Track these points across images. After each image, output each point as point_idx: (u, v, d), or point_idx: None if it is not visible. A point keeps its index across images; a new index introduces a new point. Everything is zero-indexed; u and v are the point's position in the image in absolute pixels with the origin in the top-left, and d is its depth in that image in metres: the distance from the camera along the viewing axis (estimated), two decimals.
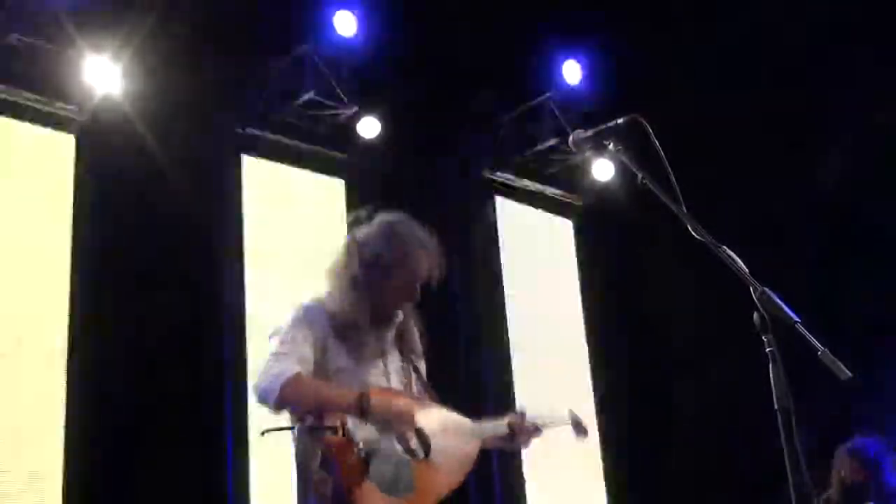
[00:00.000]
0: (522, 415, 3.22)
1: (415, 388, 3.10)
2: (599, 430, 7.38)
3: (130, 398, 5.34)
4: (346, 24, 6.29)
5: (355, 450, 2.71)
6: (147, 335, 5.47)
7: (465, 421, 3.08)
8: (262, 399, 2.83)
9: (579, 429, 3.46)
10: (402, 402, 2.86)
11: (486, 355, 6.96)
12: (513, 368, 7.07)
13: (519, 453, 6.84)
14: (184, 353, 5.56)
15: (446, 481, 2.93)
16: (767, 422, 2.19)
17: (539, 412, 3.31)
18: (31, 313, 5.39)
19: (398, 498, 2.77)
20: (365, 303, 2.98)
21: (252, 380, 2.92)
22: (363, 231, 3.07)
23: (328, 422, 2.74)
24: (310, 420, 2.80)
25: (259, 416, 5.58)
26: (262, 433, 2.90)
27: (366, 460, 2.71)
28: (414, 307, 3.14)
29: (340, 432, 2.71)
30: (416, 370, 3.12)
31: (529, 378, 7.13)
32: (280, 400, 2.78)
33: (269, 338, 2.96)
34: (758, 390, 2.31)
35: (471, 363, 6.72)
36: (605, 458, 7.39)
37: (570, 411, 3.45)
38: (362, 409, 2.74)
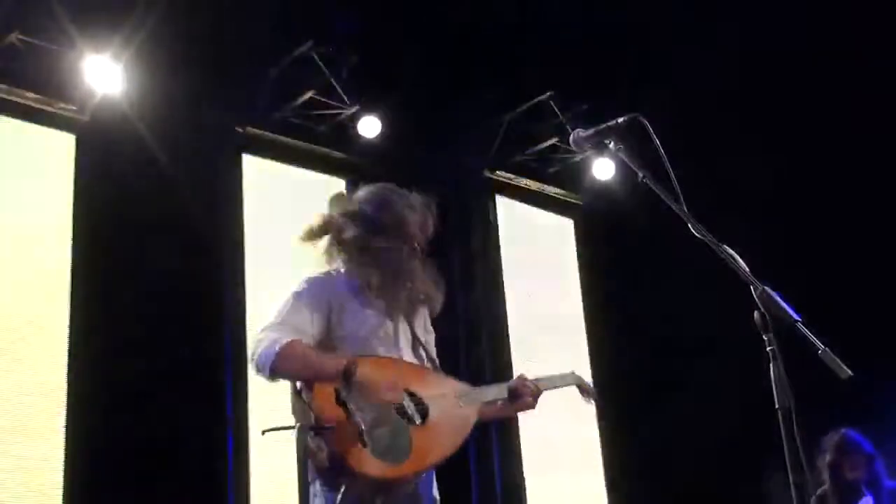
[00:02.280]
0: (523, 376, 3.27)
1: (416, 356, 3.13)
2: (600, 429, 7.39)
3: (130, 398, 5.34)
4: (346, 23, 6.29)
5: (350, 417, 2.72)
6: (147, 334, 5.47)
7: (463, 387, 3.12)
8: (259, 369, 2.88)
9: (584, 391, 3.52)
10: (389, 375, 2.87)
11: (485, 354, 6.96)
12: (513, 368, 7.07)
13: (519, 448, 6.86)
14: (184, 352, 5.56)
15: (443, 446, 2.96)
16: (767, 421, 2.19)
17: (541, 375, 3.35)
18: (32, 312, 5.39)
19: (394, 463, 2.79)
20: (371, 268, 3.04)
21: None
22: (353, 203, 3.14)
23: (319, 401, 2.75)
24: (303, 391, 2.83)
25: (259, 417, 5.63)
26: (263, 433, 2.90)
27: (360, 427, 2.72)
28: (434, 272, 3.17)
29: (335, 399, 2.73)
30: (423, 344, 3.14)
31: (529, 377, 7.12)
32: (273, 368, 2.83)
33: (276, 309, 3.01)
34: (758, 390, 2.31)
35: (470, 362, 6.73)
36: (605, 456, 7.39)
37: (574, 373, 3.48)
38: (348, 379, 2.76)
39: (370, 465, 2.74)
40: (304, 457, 2.75)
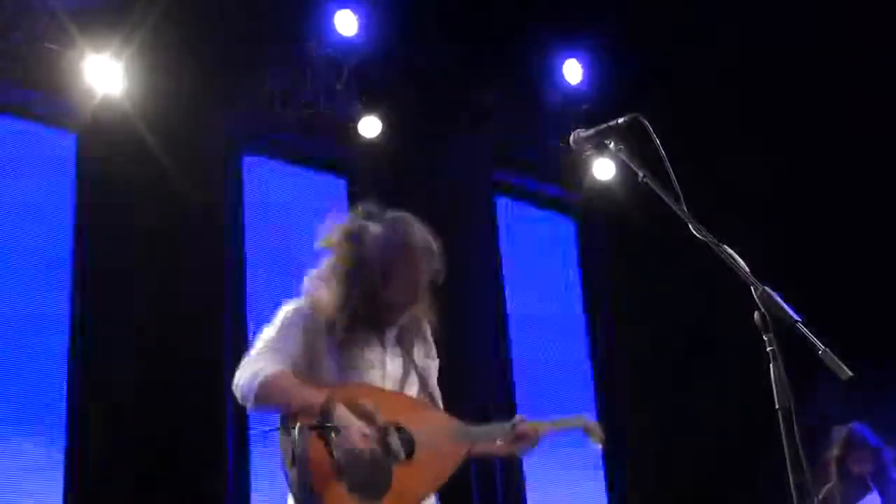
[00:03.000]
0: (522, 418, 3.17)
1: (410, 388, 3.03)
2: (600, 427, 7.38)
3: (130, 398, 5.34)
4: (346, 23, 6.28)
5: (328, 449, 2.67)
6: (147, 335, 5.47)
7: (457, 423, 3.03)
8: (242, 399, 2.84)
9: (592, 433, 3.44)
10: (367, 407, 2.78)
11: (486, 355, 6.95)
12: (513, 368, 7.07)
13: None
14: (184, 353, 5.56)
15: (426, 483, 2.89)
16: (767, 421, 2.19)
17: (548, 417, 3.31)
18: (32, 312, 5.39)
19: (369, 499, 2.72)
20: (364, 301, 2.91)
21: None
22: (369, 229, 2.97)
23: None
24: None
25: (259, 417, 5.62)
26: (263, 433, 2.88)
27: (339, 461, 2.67)
28: (431, 309, 3.09)
29: (316, 433, 2.68)
30: (420, 374, 3.05)
31: (530, 378, 7.13)
32: (256, 400, 2.79)
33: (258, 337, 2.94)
34: (758, 390, 2.31)
35: (470, 363, 6.72)
36: (605, 456, 7.38)
37: (580, 417, 3.44)
38: (326, 415, 2.69)
39: (344, 501, 2.68)
40: (303, 456, 2.73)
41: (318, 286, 2.96)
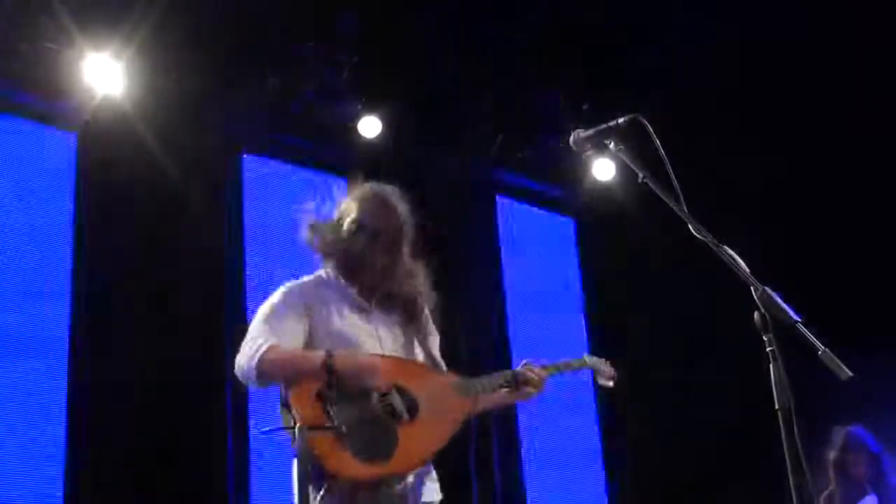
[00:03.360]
0: (528, 363, 3.23)
1: (417, 357, 3.11)
2: (600, 428, 7.38)
3: (129, 397, 5.34)
4: (346, 23, 6.28)
5: (329, 419, 2.71)
6: (147, 335, 5.47)
7: (460, 379, 3.09)
8: (245, 380, 2.91)
9: (601, 373, 3.45)
10: (368, 357, 2.87)
11: (485, 355, 6.95)
12: (513, 368, 7.06)
13: (519, 448, 6.86)
14: (183, 352, 5.56)
15: (433, 441, 2.93)
16: (767, 421, 2.19)
17: (554, 361, 3.35)
18: (32, 312, 5.39)
19: (375, 462, 2.76)
20: (353, 269, 3.04)
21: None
22: (340, 205, 3.16)
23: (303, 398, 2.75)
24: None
25: (259, 416, 5.63)
26: (263, 433, 2.90)
27: (340, 428, 2.71)
28: (429, 283, 3.16)
29: (314, 398, 2.73)
30: (423, 344, 3.12)
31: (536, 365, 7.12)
32: (259, 376, 2.86)
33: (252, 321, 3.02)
34: (758, 390, 2.31)
35: (470, 363, 6.71)
36: (605, 455, 7.39)
37: (586, 358, 3.46)
38: (329, 370, 2.75)
39: (349, 466, 2.72)
40: (304, 456, 2.74)
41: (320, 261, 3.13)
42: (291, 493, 2.72)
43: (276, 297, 3.02)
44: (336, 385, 2.74)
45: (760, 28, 6.59)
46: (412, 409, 2.89)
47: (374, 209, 3.09)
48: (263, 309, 3.00)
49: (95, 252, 5.57)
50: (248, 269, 6.12)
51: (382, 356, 2.97)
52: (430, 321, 3.23)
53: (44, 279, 5.47)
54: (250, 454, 5.71)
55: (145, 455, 5.32)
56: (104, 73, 5.54)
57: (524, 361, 3.26)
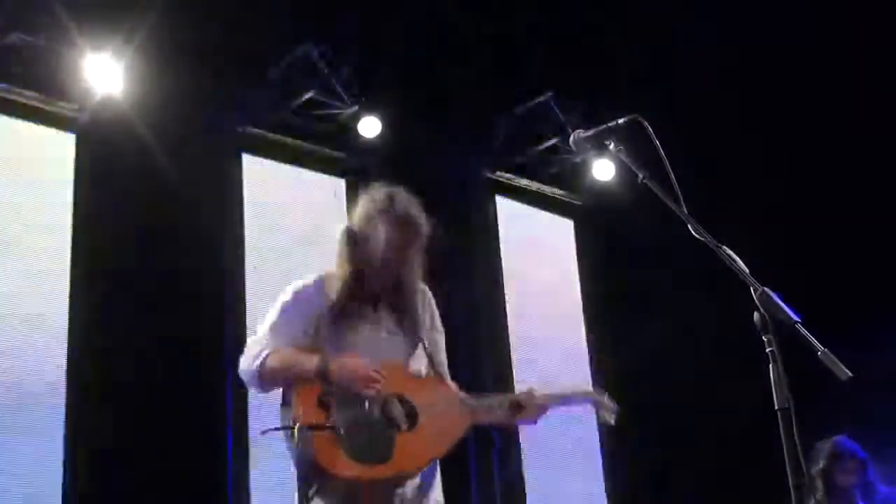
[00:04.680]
0: (532, 390, 3.21)
1: (416, 362, 3.11)
2: (600, 429, 7.38)
3: (130, 398, 5.34)
4: (346, 23, 6.29)
5: (328, 417, 2.75)
6: (147, 335, 5.47)
7: (463, 395, 3.10)
8: (248, 384, 2.96)
9: (602, 407, 3.44)
10: (364, 366, 2.86)
11: (485, 355, 6.95)
12: (513, 368, 7.07)
13: (519, 448, 6.86)
14: (184, 353, 5.56)
15: (430, 451, 2.96)
16: (767, 422, 2.19)
17: (554, 388, 3.33)
18: (32, 312, 5.39)
19: (370, 464, 2.79)
20: (361, 274, 3.03)
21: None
22: (357, 205, 3.14)
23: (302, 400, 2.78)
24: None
25: (259, 416, 5.62)
26: (262, 433, 2.90)
27: (336, 427, 2.75)
28: (430, 285, 3.19)
29: (317, 401, 2.77)
30: (427, 351, 3.11)
31: (529, 378, 7.13)
32: (260, 381, 2.91)
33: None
34: (758, 390, 2.31)
35: (471, 363, 6.72)
36: (605, 457, 7.39)
37: (590, 389, 3.46)
38: (324, 374, 2.80)
39: (342, 465, 2.75)
40: (304, 456, 2.75)
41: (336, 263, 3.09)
42: (290, 494, 2.73)
43: (284, 297, 3.04)
44: (334, 390, 2.78)
45: (760, 28, 6.59)
46: (412, 418, 2.92)
47: (406, 235, 3.05)
48: (272, 310, 3.02)
49: (95, 251, 5.57)
50: (247, 269, 6.11)
51: (385, 363, 2.96)
52: (437, 318, 3.23)
53: (43, 279, 5.47)
54: (250, 454, 5.71)
55: (145, 455, 5.31)
56: (104, 73, 5.54)
57: (529, 388, 3.23)
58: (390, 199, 3.08)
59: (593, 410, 3.50)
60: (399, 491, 2.90)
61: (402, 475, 2.90)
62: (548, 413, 3.24)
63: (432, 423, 2.94)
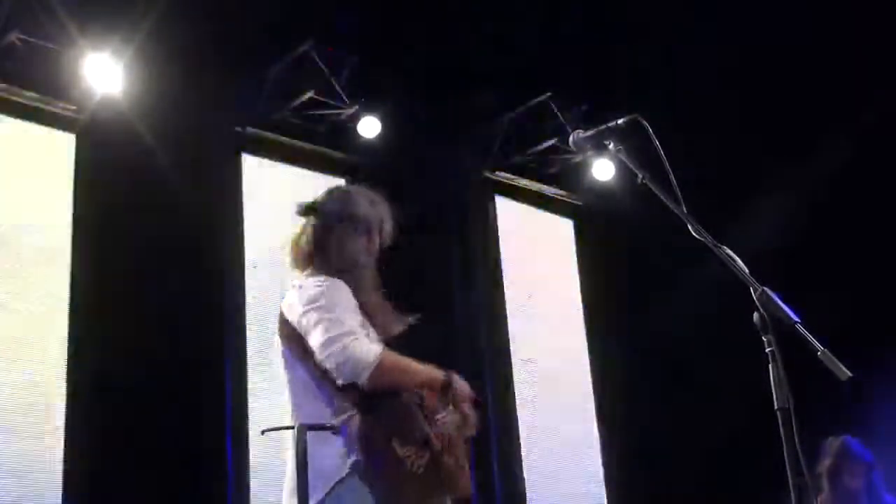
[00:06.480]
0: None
1: None
2: (600, 429, 7.38)
3: (130, 398, 5.34)
4: (346, 23, 6.29)
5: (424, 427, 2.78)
6: (147, 335, 5.47)
7: None
8: (347, 375, 2.77)
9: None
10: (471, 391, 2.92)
11: (485, 355, 6.95)
12: (512, 368, 7.07)
13: (519, 447, 6.87)
14: (183, 353, 5.56)
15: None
16: (767, 422, 2.19)
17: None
18: (32, 312, 5.39)
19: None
20: (334, 267, 3.01)
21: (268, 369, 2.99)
22: (320, 206, 3.16)
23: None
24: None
25: (259, 416, 5.63)
26: (262, 433, 2.90)
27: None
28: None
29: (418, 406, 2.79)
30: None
31: (529, 378, 7.14)
32: (373, 378, 2.75)
33: (308, 307, 2.87)
34: (758, 390, 2.31)
35: (470, 362, 6.72)
36: (604, 456, 7.39)
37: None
38: (448, 388, 2.86)
39: (464, 482, 2.82)
40: (303, 457, 2.74)
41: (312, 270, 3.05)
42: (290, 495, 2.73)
43: (334, 289, 2.91)
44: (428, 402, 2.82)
45: (760, 28, 6.59)
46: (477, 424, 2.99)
47: (366, 206, 3.12)
48: (334, 299, 2.87)
49: (95, 252, 5.57)
50: (247, 269, 6.12)
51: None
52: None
53: (43, 279, 5.47)
54: (250, 454, 5.71)
55: (145, 455, 5.31)
56: (104, 73, 5.54)
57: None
58: (364, 193, 3.16)
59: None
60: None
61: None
62: None
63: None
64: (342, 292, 2.90)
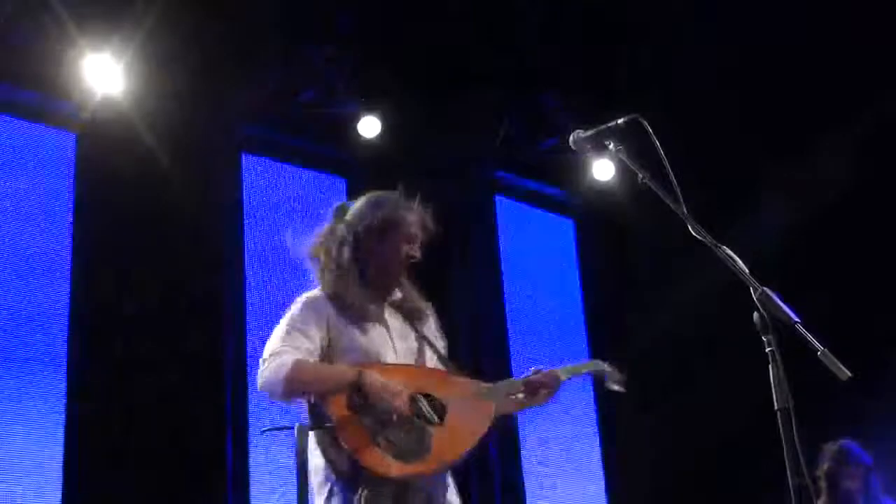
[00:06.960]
0: (537, 369, 3.27)
1: (429, 361, 3.17)
2: (599, 428, 7.38)
3: (130, 398, 5.34)
4: (346, 24, 6.28)
5: (360, 421, 2.80)
6: (147, 335, 5.47)
7: (480, 384, 3.15)
8: (270, 394, 2.93)
9: (610, 377, 3.61)
10: (395, 380, 2.90)
11: (485, 355, 6.95)
12: (512, 368, 7.07)
13: (519, 448, 6.87)
14: (183, 353, 5.56)
15: (464, 442, 3.00)
16: (767, 422, 2.19)
17: (563, 364, 3.40)
18: (32, 312, 5.39)
19: (412, 462, 2.84)
20: (362, 276, 3.06)
21: (259, 377, 2.98)
22: (350, 210, 3.15)
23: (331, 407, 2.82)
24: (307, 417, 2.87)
25: (259, 416, 5.62)
26: (262, 433, 2.92)
27: (372, 429, 2.79)
28: (417, 289, 3.21)
29: (346, 406, 2.81)
30: (431, 344, 3.16)
31: (544, 369, 7.12)
32: (285, 392, 2.88)
33: (272, 334, 3.01)
34: (758, 390, 2.31)
35: (471, 363, 6.71)
36: (604, 456, 7.39)
37: (595, 361, 3.58)
38: (359, 388, 2.83)
39: (390, 466, 2.80)
40: (303, 457, 2.76)
41: (325, 275, 3.10)
42: (290, 493, 2.74)
43: (295, 309, 3.04)
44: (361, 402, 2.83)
45: (760, 28, 6.59)
46: (440, 413, 2.97)
47: (404, 213, 3.12)
48: (283, 322, 3.01)
49: (95, 252, 5.57)
50: (247, 268, 6.12)
51: (405, 366, 3.04)
52: (439, 326, 3.28)
53: (43, 279, 5.47)
54: (250, 454, 5.71)
55: (145, 455, 5.31)
56: (104, 73, 5.53)
57: (533, 369, 3.28)
58: (393, 203, 3.13)
59: (604, 380, 3.66)
60: (426, 488, 2.94)
61: (446, 466, 2.98)
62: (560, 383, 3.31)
63: (460, 413, 2.99)
64: (308, 312, 3.00)
